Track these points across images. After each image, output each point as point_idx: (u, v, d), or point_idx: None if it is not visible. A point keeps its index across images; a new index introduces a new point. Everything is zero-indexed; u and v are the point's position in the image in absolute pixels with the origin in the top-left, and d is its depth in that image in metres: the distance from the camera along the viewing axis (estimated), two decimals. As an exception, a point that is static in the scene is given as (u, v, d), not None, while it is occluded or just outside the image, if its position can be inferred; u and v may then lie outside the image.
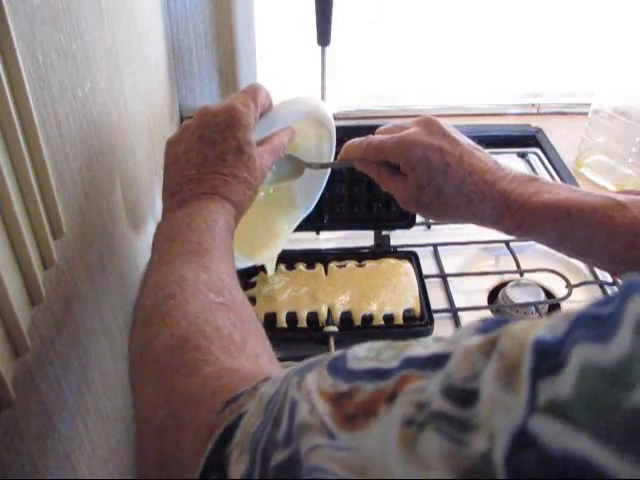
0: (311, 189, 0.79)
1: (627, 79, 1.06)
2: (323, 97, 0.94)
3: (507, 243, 0.93)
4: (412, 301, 0.80)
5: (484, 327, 0.24)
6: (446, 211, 0.61)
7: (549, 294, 0.88)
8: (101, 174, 0.59)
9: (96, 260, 0.57)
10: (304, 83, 1.14)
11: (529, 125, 1.21)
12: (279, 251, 0.80)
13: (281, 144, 0.63)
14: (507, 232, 0.60)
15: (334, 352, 0.32)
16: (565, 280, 0.88)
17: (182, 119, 1.20)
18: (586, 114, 1.10)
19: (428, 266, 0.89)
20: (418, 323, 0.78)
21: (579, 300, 0.86)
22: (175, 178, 0.56)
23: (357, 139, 0.65)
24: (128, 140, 0.72)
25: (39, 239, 0.40)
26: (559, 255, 0.92)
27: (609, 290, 0.87)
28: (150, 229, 0.87)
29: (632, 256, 0.52)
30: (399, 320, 0.78)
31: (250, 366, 0.39)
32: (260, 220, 0.78)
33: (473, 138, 0.63)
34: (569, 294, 0.85)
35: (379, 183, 0.65)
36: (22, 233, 0.36)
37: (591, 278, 0.89)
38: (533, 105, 1.27)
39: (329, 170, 0.77)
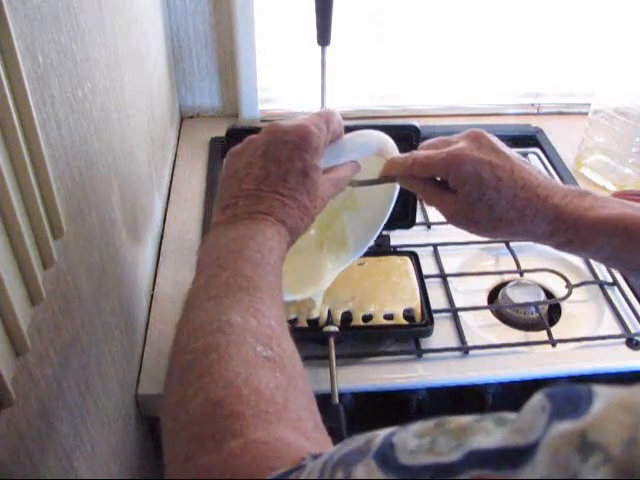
0: (364, 232, 0.75)
1: (627, 79, 1.06)
2: (323, 97, 0.94)
3: (507, 243, 0.93)
4: (412, 301, 0.80)
5: (556, 409, 0.21)
6: (498, 227, 0.58)
7: (549, 294, 0.87)
8: (101, 174, 0.59)
9: (96, 260, 0.57)
10: (304, 83, 1.14)
11: (529, 125, 1.21)
12: (322, 290, 0.76)
13: (346, 177, 0.60)
14: (558, 247, 0.58)
15: (374, 434, 0.28)
16: (565, 280, 0.88)
17: (182, 119, 1.21)
18: (586, 114, 1.10)
19: (428, 266, 0.89)
20: (418, 323, 0.78)
21: (579, 300, 0.87)
22: (232, 191, 0.53)
23: (402, 155, 0.63)
24: (128, 140, 0.72)
25: (39, 239, 0.40)
26: (559, 255, 0.92)
27: (609, 290, 0.87)
28: (150, 229, 0.87)
29: None
30: (399, 320, 0.78)
31: (289, 434, 0.35)
32: (308, 255, 0.74)
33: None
34: (569, 294, 0.85)
35: (424, 199, 0.62)
36: (22, 233, 0.36)
37: (591, 278, 0.89)
38: (533, 105, 1.27)
39: (385, 216, 0.72)
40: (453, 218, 0.60)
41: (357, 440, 0.29)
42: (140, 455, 0.73)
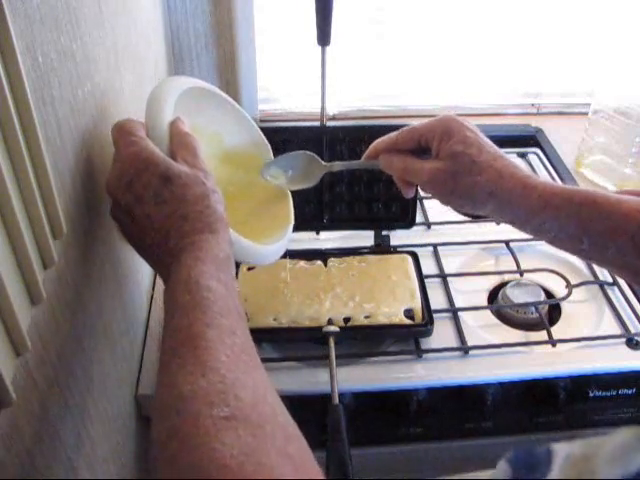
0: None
1: (627, 79, 1.06)
2: (323, 97, 0.94)
3: (507, 243, 0.93)
4: (412, 301, 0.80)
5: (517, 475, 0.21)
6: (472, 192, 0.59)
7: (549, 294, 0.88)
8: (101, 174, 0.59)
9: (96, 260, 0.57)
10: (304, 83, 1.14)
11: (529, 125, 1.21)
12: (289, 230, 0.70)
13: (181, 134, 0.55)
14: (528, 216, 0.58)
15: None
16: (565, 280, 0.88)
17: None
18: (586, 114, 1.10)
19: (428, 266, 0.89)
20: (418, 323, 0.78)
21: (579, 300, 0.87)
22: (151, 249, 0.50)
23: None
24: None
25: (39, 239, 0.40)
26: (559, 255, 0.92)
27: (609, 290, 0.87)
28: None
29: None
30: (399, 320, 0.78)
31: None
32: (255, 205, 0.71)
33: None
34: (569, 294, 0.85)
35: (403, 174, 0.64)
36: (22, 233, 0.36)
37: (591, 278, 0.89)
38: (533, 105, 1.27)
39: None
40: (431, 182, 0.61)
41: None
42: (140, 455, 0.73)
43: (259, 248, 0.62)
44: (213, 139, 0.69)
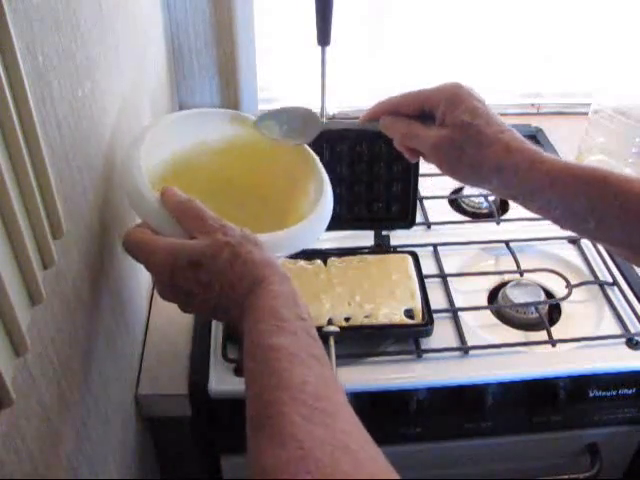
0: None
1: (627, 79, 1.06)
2: (323, 97, 0.94)
3: (507, 243, 0.93)
4: (412, 301, 0.80)
5: None
6: (478, 164, 0.57)
7: (549, 294, 0.87)
8: (101, 174, 0.59)
9: (96, 260, 0.57)
10: (304, 83, 1.14)
11: (529, 125, 1.21)
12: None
13: (176, 205, 0.54)
14: (535, 192, 0.56)
15: None
16: (565, 280, 0.88)
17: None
18: (586, 114, 1.10)
19: (428, 266, 0.89)
20: (418, 323, 0.78)
21: (579, 300, 0.87)
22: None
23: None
24: (128, 140, 0.71)
25: (39, 239, 0.40)
26: (559, 255, 0.92)
27: (609, 290, 0.87)
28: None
29: None
30: (399, 320, 0.78)
31: None
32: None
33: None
34: (569, 294, 0.85)
35: (405, 139, 0.62)
36: (22, 233, 0.36)
37: (591, 278, 0.89)
38: (533, 105, 1.27)
39: None
40: (435, 150, 0.59)
41: None
42: (140, 455, 0.73)
43: (296, 231, 0.59)
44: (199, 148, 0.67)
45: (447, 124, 0.58)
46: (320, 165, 0.68)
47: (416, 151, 0.63)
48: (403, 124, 0.62)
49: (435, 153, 0.59)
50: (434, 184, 1.00)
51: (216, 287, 0.49)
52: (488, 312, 0.85)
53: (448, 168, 0.60)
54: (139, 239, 0.53)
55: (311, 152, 0.69)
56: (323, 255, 0.87)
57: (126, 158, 0.58)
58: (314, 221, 0.62)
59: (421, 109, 0.61)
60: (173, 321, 0.81)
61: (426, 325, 0.78)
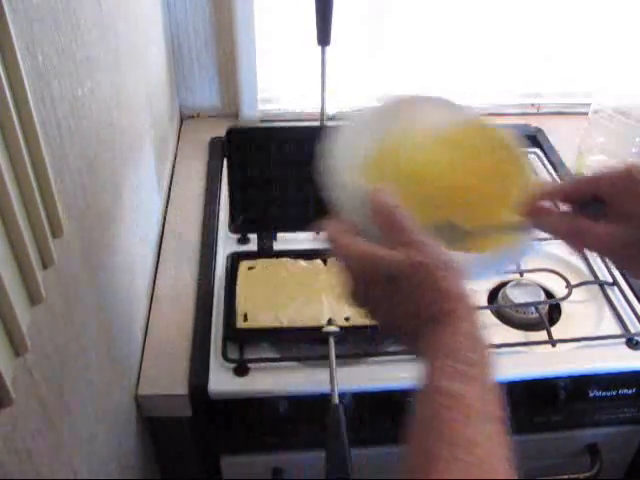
0: None
1: (627, 79, 1.06)
2: (323, 97, 0.94)
3: (507, 243, 0.93)
4: (412, 301, 0.80)
5: None
6: None
7: (549, 294, 0.87)
8: (101, 174, 0.59)
9: (96, 260, 0.57)
10: (304, 83, 1.14)
11: (529, 125, 1.21)
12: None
13: (381, 208, 0.51)
14: None
15: None
16: (565, 280, 0.88)
17: (182, 119, 1.20)
18: (586, 114, 1.10)
19: (428, 266, 0.89)
20: (418, 323, 0.78)
21: (579, 300, 0.86)
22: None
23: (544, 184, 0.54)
24: (128, 139, 0.72)
25: (39, 239, 0.40)
26: (559, 255, 0.92)
27: (609, 290, 0.87)
28: (150, 228, 0.87)
29: None
30: (399, 320, 0.78)
31: None
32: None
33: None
34: (569, 294, 0.85)
35: (570, 238, 0.51)
36: (22, 233, 0.36)
37: (591, 278, 0.89)
38: (533, 105, 1.27)
39: None
40: (608, 251, 0.50)
41: None
42: (140, 455, 0.73)
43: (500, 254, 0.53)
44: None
45: (621, 219, 0.48)
46: (530, 173, 0.59)
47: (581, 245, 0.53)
48: (564, 222, 0.51)
49: (608, 254, 0.52)
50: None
51: (401, 309, 0.48)
52: (488, 312, 0.85)
53: (624, 266, 0.53)
54: (335, 237, 0.51)
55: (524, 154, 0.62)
56: (323, 255, 0.87)
57: (337, 148, 0.55)
58: (521, 245, 0.55)
59: (590, 198, 0.50)
60: (173, 321, 0.81)
61: (426, 325, 0.78)
